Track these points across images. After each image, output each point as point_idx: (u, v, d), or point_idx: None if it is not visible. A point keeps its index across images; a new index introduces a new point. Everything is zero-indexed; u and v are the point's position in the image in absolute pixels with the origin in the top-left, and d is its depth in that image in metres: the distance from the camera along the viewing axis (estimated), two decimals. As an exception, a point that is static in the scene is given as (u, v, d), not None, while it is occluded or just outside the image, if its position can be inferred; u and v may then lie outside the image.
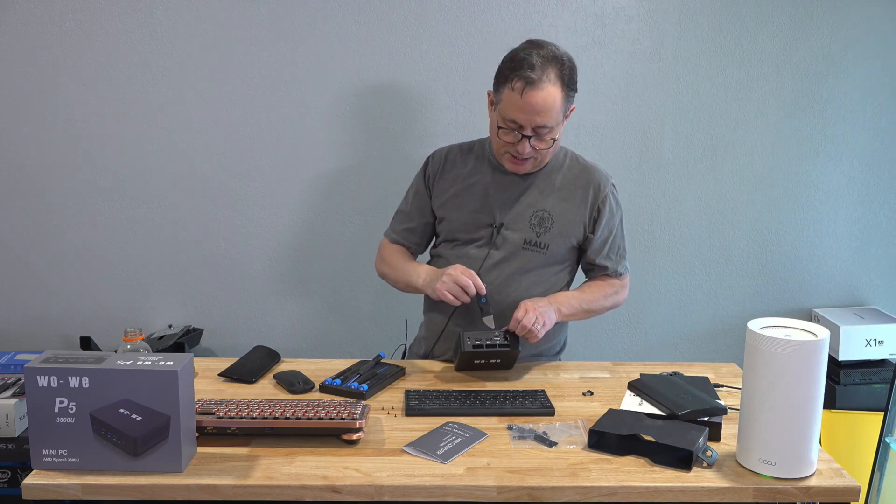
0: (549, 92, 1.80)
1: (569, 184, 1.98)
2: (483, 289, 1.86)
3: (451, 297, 1.84)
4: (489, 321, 1.87)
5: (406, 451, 1.50)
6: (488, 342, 1.82)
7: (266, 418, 1.51)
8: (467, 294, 1.84)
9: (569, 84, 1.84)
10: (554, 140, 1.88)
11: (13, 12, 2.50)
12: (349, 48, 2.56)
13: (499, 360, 1.88)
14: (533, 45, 1.84)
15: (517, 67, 1.80)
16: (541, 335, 1.83)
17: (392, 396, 1.77)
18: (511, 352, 1.84)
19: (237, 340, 2.69)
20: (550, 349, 2.08)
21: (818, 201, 2.74)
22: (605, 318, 2.12)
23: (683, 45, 2.61)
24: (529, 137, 1.84)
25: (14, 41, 2.52)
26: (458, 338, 1.84)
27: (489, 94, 1.92)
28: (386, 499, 1.39)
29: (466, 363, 1.88)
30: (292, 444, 1.51)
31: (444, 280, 1.85)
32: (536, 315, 1.82)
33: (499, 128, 1.87)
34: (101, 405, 1.37)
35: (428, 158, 2.08)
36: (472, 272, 1.86)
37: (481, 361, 1.88)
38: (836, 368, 2.62)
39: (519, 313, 1.83)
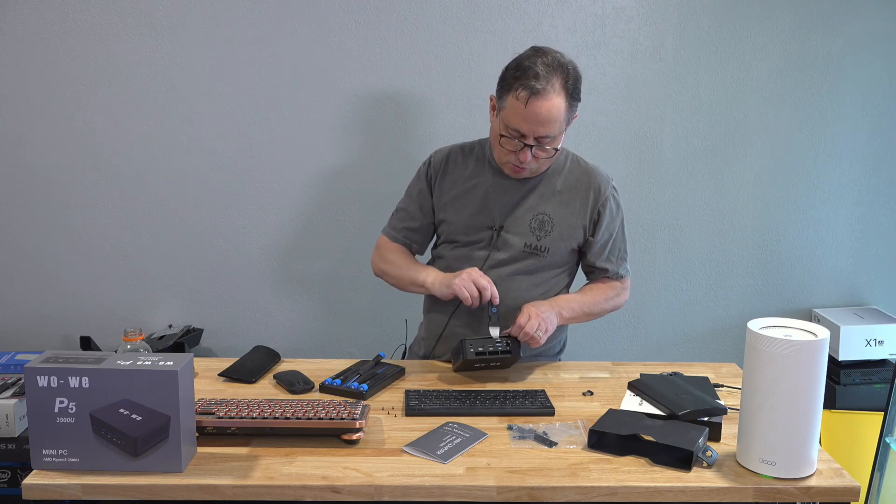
0: (554, 102, 1.79)
1: (569, 187, 1.98)
2: (497, 298, 1.86)
3: (467, 296, 1.84)
4: (494, 331, 1.86)
5: (406, 451, 1.50)
6: (490, 349, 1.82)
7: (266, 418, 1.51)
8: (481, 298, 1.85)
9: (573, 94, 1.83)
10: (556, 150, 1.88)
11: (14, 12, 2.50)
12: (349, 48, 2.56)
13: (498, 364, 1.89)
14: (538, 52, 1.83)
15: (521, 76, 1.79)
16: (543, 341, 1.84)
17: (392, 396, 1.77)
18: (512, 357, 1.85)
19: (237, 340, 2.69)
20: (550, 349, 2.08)
21: (818, 201, 2.74)
22: (605, 319, 2.13)
23: (683, 44, 2.61)
24: (531, 146, 1.84)
25: (15, 41, 2.52)
26: (460, 344, 1.84)
27: (491, 99, 1.91)
28: (386, 499, 1.39)
29: (466, 366, 1.89)
30: (292, 444, 1.51)
31: (462, 277, 1.85)
32: (539, 321, 1.82)
33: (501, 135, 1.86)
34: (101, 405, 1.37)
35: (429, 158, 2.07)
36: (490, 279, 1.87)
37: (481, 365, 1.88)
38: (836, 368, 2.62)
39: (522, 319, 1.83)
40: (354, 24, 2.55)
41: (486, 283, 1.85)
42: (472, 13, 2.55)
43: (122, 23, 2.52)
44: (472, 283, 1.84)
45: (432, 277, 1.94)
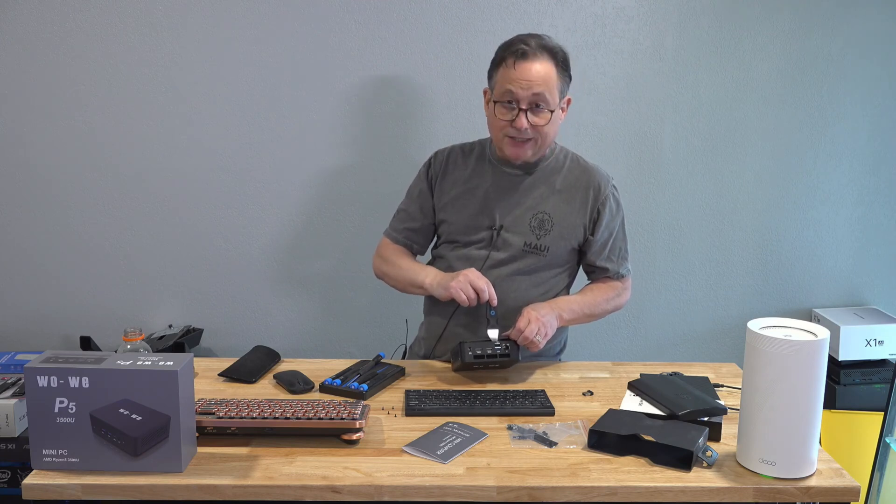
0: (543, 64, 1.84)
1: (569, 186, 1.98)
2: (495, 300, 1.86)
3: (464, 298, 1.84)
4: (493, 334, 1.86)
5: (406, 451, 1.50)
6: (489, 352, 1.82)
7: (266, 418, 1.51)
8: (479, 299, 1.85)
9: (563, 66, 1.87)
10: (551, 112, 1.87)
11: (14, 12, 2.50)
12: (349, 48, 2.56)
13: (497, 366, 1.88)
14: (526, 34, 1.89)
15: (509, 47, 1.86)
16: (542, 345, 1.84)
17: (392, 396, 1.77)
18: (511, 360, 1.85)
19: (237, 340, 2.69)
20: (551, 350, 2.08)
21: (818, 201, 2.74)
22: (605, 319, 2.12)
23: (683, 44, 2.61)
24: (525, 111, 1.85)
25: (15, 41, 2.52)
26: (459, 346, 1.84)
27: (485, 93, 1.93)
28: (386, 499, 1.39)
29: (465, 368, 1.88)
30: (292, 444, 1.51)
31: (459, 279, 1.85)
32: (539, 325, 1.82)
33: (495, 103, 1.88)
34: (101, 405, 1.37)
35: (430, 158, 2.07)
36: (488, 280, 1.87)
37: (480, 366, 1.88)
38: (836, 368, 2.62)
39: (521, 323, 1.83)
40: (354, 24, 2.55)
41: (483, 284, 1.85)
42: (472, 13, 2.55)
43: (122, 23, 2.52)
44: (468, 284, 1.84)
45: (430, 278, 1.94)
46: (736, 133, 2.67)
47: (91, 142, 2.59)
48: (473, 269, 1.89)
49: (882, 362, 2.64)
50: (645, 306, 2.77)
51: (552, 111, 1.87)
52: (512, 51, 1.84)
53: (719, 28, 2.60)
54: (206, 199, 2.64)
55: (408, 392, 1.76)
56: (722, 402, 1.68)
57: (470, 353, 1.81)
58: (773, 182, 2.71)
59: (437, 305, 2.02)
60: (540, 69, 1.83)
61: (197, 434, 1.48)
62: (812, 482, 1.41)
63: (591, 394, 1.81)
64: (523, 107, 1.85)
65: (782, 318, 1.46)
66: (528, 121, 1.85)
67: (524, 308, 1.88)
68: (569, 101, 1.94)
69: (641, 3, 2.57)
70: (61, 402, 1.37)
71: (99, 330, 2.65)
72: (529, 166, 1.98)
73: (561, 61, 1.86)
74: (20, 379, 2.31)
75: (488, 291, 1.85)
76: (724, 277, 2.77)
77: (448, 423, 1.62)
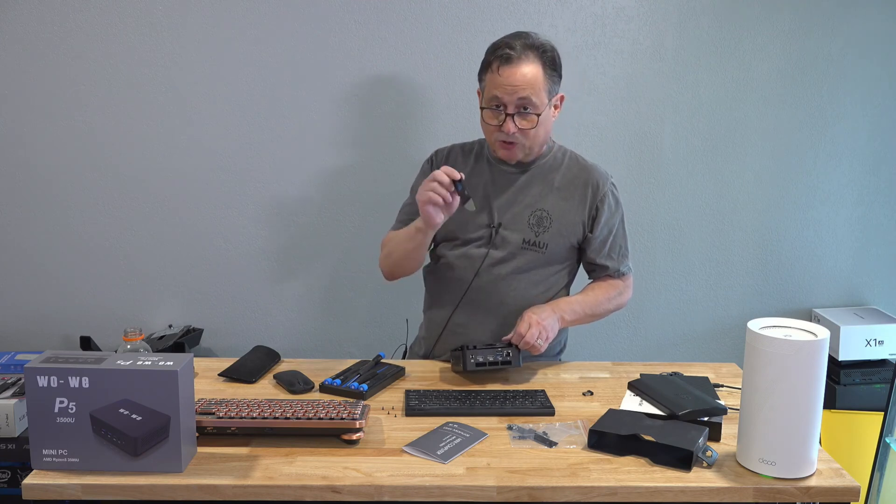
0: (528, 67, 1.83)
1: (568, 183, 1.98)
2: (456, 174, 1.77)
3: (436, 198, 1.75)
4: (470, 205, 1.81)
5: (406, 451, 1.50)
6: (491, 359, 1.82)
7: (266, 418, 1.51)
8: (446, 188, 1.75)
9: (551, 66, 1.86)
10: (538, 116, 1.86)
11: (14, 12, 2.50)
12: (349, 48, 2.56)
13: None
14: (516, 34, 1.88)
15: (496, 50, 1.85)
16: (543, 349, 1.84)
17: (392, 396, 1.77)
18: (512, 366, 1.85)
19: (237, 340, 2.69)
20: (551, 349, 2.08)
21: (818, 201, 2.74)
22: (605, 319, 2.12)
23: (683, 44, 2.61)
24: (513, 115, 1.85)
25: (15, 41, 2.52)
26: (462, 351, 1.83)
27: (479, 93, 1.94)
28: (386, 499, 1.39)
29: (467, 373, 1.88)
30: (292, 444, 1.51)
31: (420, 193, 1.78)
32: (539, 329, 1.82)
33: (483, 108, 1.88)
34: (101, 405, 1.37)
35: (431, 156, 2.08)
36: (440, 170, 1.77)
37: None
38: (836, 368, 2.62)
39: (522, 328, 1.83)
40: (354, 24, 2.55)
41: (436, 176, 1.75)
42: (472, 13, 2.55)
43: (122, 23, 2.52)
44: (430, 189, 1.75)
45: (417, 221, 1.86)
46: (736, 133, 2.67)
47: (91, 142, 2.59)
48: (426, 180, 1.79)
49: (882, 362, 2.64)
50: (645, 306, 2.77)
51: (539, 114, 1.87)
52: (497, 55, 1.84)
53: (719, 28, 2.60)
54: (206, 199, 2.64)
55: (408, 392, 1.76)
56: (722, 402, 1.68)
57: (472, 360, 1.81)
58: (773, 182, 2.71)
59: (438, 300, 2.02)
60: (526, 72, 1.82)
61: (197, 434, 1.48)
62: (812, 482, 1.41)
63: (591, 394, 1.81)
64: (510, 111, 1.85)
65: (782, 318, 1.46)
66: (516, 125, 1.86)
67: (525, 311, 1.88)
68: (562, 97, 1.93)
69: (641, 3, 2.57)
70: (61, 402, 1.37)
71: (99, 330, 2.65)
72: (525, 165, 1.98)
73: (549, 60, 1.86)
74: (20, 379, 2.31)
75: (445, 174, 1.75)
76: (724, 277, 2.77)
77: (448, 423, 1.62)
